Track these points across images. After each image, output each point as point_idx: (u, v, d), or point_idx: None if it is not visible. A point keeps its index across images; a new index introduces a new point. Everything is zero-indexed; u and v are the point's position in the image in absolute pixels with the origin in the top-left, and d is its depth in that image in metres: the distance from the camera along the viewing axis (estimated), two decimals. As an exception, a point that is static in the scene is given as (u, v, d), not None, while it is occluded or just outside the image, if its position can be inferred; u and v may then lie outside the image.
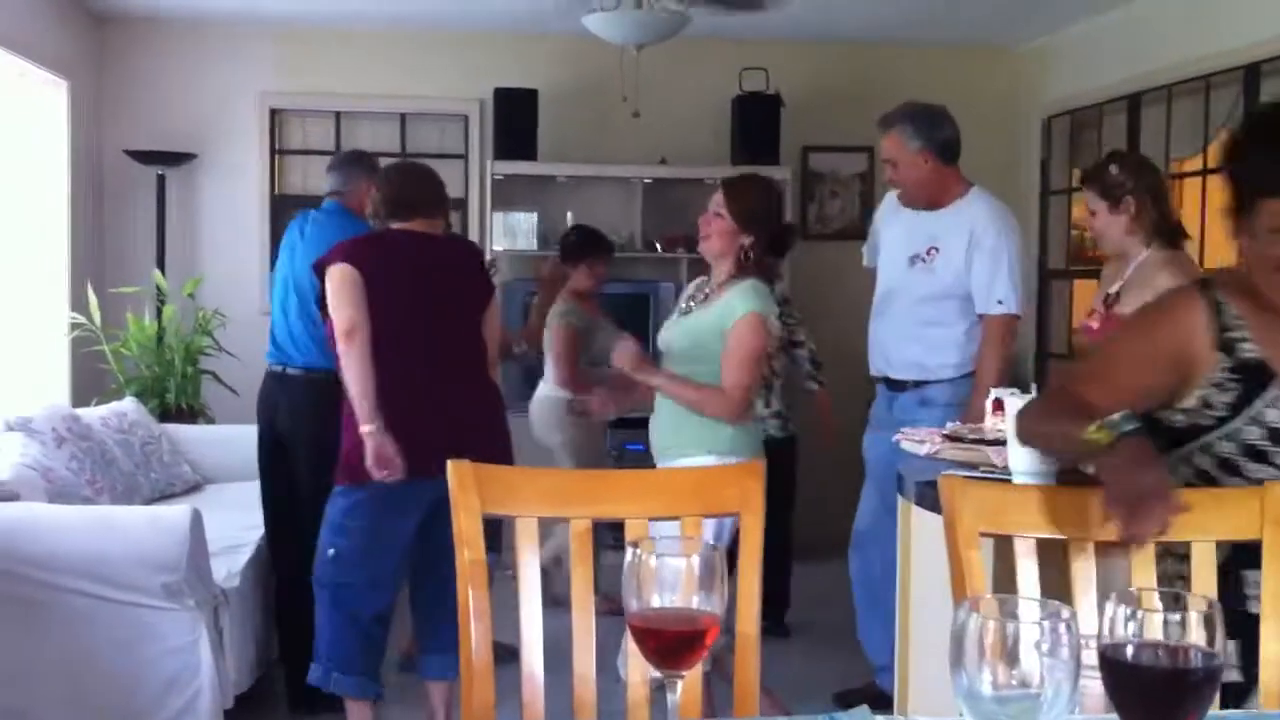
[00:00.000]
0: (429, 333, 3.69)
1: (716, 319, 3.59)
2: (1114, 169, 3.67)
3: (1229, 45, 5.30)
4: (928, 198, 4.12)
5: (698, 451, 3.56)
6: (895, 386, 4.18)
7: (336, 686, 3.76)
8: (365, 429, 3.53)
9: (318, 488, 3.84)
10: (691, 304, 3.76)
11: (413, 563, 3.80)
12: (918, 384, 4.11)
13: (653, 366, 3.74)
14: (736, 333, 3.55)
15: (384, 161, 4.70)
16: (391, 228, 3.81)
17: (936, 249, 4.06)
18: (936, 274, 4.06)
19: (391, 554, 3.72)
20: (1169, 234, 3.61)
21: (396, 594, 3.85)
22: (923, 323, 4.09)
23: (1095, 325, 3.66)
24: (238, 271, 6.79)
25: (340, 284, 3.61)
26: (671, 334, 3.77)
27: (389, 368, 3.58)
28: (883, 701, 3.79)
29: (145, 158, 6.53)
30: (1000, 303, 4.01)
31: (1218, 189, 5.52)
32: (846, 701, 4.17)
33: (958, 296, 4.06)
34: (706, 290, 3.74)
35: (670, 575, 1.31)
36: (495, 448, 3.66)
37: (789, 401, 5.31)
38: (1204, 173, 5.72)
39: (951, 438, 2.91)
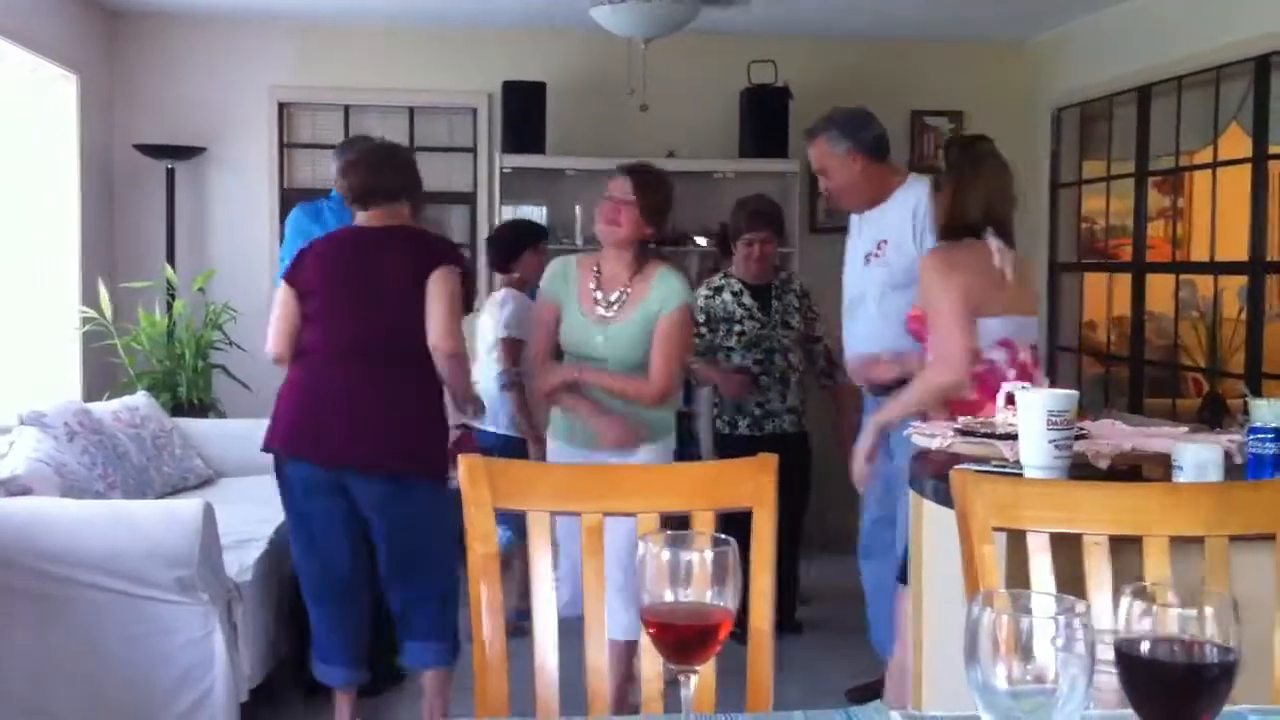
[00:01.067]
0: (349, 331, 3.67)
1: (655, 314, 3.70)
2: (945, 157, 3.63)
3: (1239, 37, 5.29)
4: (866, 198, 4.05)
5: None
6: (879, 390, 4.07)
7: (320, 675, 3.84)
8: None
9: None
10: (608, 309, 3.78)
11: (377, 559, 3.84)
12: (901, 382, 3.96)
13: (580, 369, 3.81)
14: (671, 324, 3.71)
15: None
16: (353, 222, 3.86)
17: (885, 240, 3.99)
18: (890, 265, 3.97)
19: (314, 533, 3.73)
20: (950, 229, 3.50)
21: (352, 582, 3.80)
22: (891, 318, 3.97)
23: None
24: (248, 265, 6.80)
25: (277, 304, 3.78)
26: (603, 342, 3.78)
27: (311, 360, 3.68)
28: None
29: (155, 152, 6.54)
30: None
31: (1228, 181, 5.54)
32: (858, 698, 4.17)
33: (912, 284, 3.93)
34: (620, 291, 3.77)
35: (683, 570, 1.31)
36: (391, 444, 3.62)
37: (803, 397, 5.28)
38: (1214, 165, 5.71)
39: (964, 431, 2.91)
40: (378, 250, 3.73)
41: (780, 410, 5.12)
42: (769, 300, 5.15)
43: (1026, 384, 3.26)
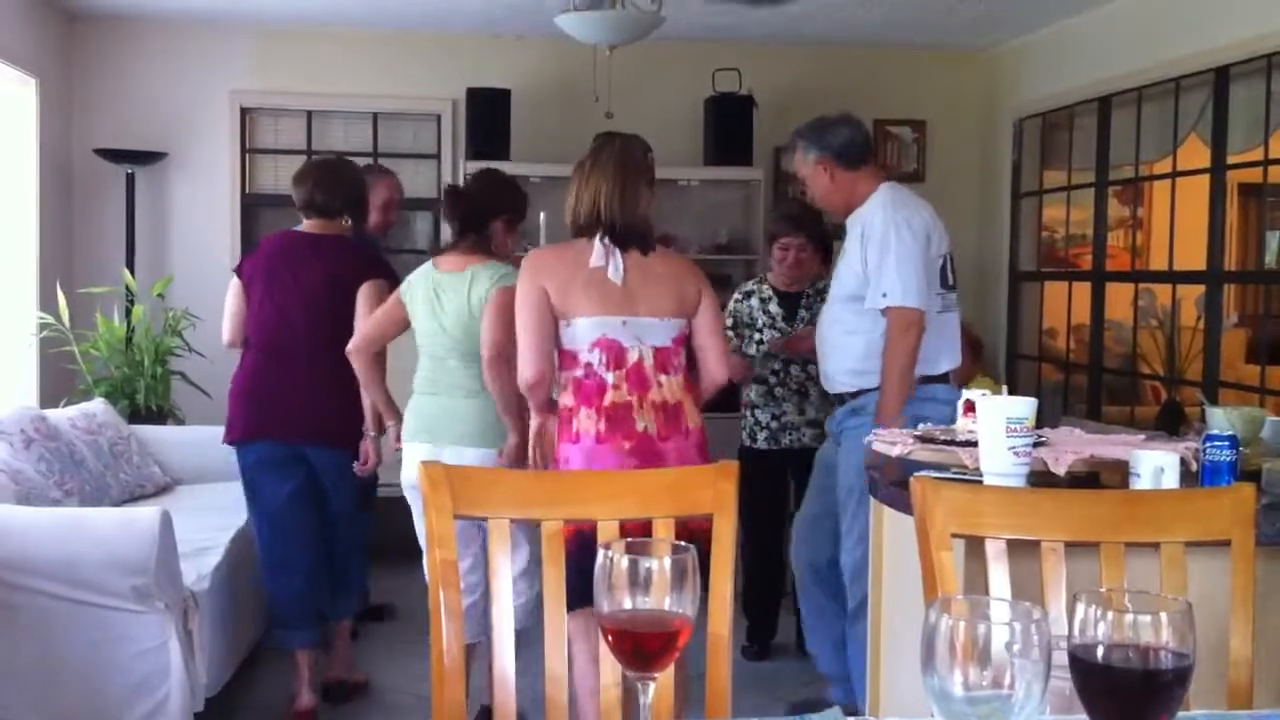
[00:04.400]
0: (285, 321, 4.19)
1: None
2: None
3: (1199, 48, 5.34)
4: (843, 205, 4.01)
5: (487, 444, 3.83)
6: (834, 400, 4.08)
7: (281, 641, 4.31)
8: None
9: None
10: None
11: None
12: (855, 394, 3.94)
13: None
14: None
15: (361, 162, 5.06)
16: (296, 227, 4.35)
17: (845, 250, 3.97)
18: (840, 277, 3.95)
19: (277, 507, 4.23)
20: (572, 226, 3.53)
21: (307, 548, 4.29)
22: (840, 330, 3.95)
23: None
24: (208, 271, 6.73)
25: (229, 295, 4.37)
26: None
27: (254, 346, 4.25)
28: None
29: (115, 156, 6.48)
30: (885, 295, 3.79)
31: (1186, 191, 5.59)
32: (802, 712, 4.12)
33: (856, 295, 3.88)
34: None
35: (642, 577, 1.31)
36: (315, 423, 4.19)
37: (828, 410, 5.09)
38: (1173, 175, 5.76)
39: (924, 439, 2.92)
40: (311, 256, 4.23)
41: (799, 423, 4.86)
42: (796, 309, 4.90)
43: (635, 390, 3.35)
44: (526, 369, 3.39)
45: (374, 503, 4.79)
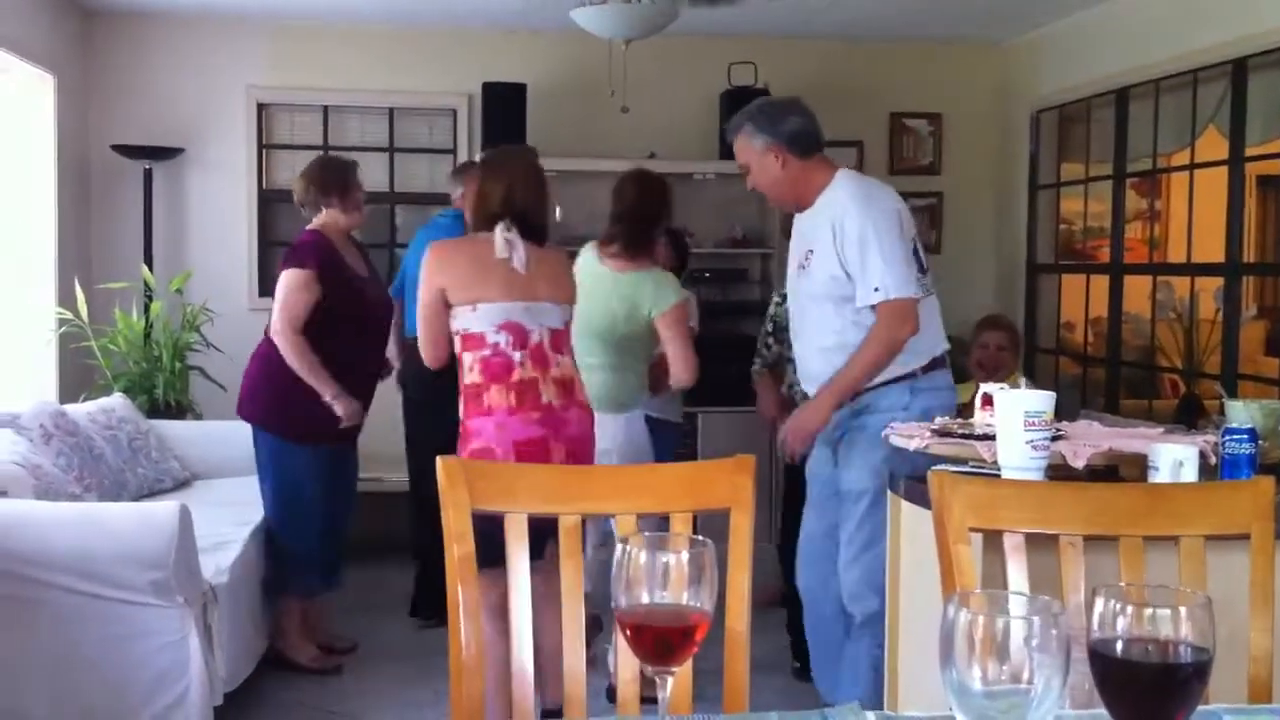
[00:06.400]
0: None
1: None
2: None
3: (1216, 40, 5.31)
4: (794, 197, 3.73)
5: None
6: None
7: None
8: None
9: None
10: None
11: None
12: (856, 393, 3.65)
13: None
14: None
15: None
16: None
17: (812, 250, 3.64)
18: (813, 276, 3.64)
19: None
20: (475, 219, 3.82)
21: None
22: (819, 332, 3.69)
23: None
24: (226, 266, 6.77)
25: None
26: None
27: None
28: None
29: (132, 152, 6.50)
30: (878, 290, 3.50)
31: (1204, 183, 5.56)
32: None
33: (837, 298, 3.60)
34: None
35: (660, 572, 1.31)
36: (242, 396, 4.63)
37: None
38: (1191, 167, 5.73)
39: (941, 433, 2.91)
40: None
41: None
42: None
43: (538, 367, 3.65)
44: (429, 356, 3.77)
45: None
